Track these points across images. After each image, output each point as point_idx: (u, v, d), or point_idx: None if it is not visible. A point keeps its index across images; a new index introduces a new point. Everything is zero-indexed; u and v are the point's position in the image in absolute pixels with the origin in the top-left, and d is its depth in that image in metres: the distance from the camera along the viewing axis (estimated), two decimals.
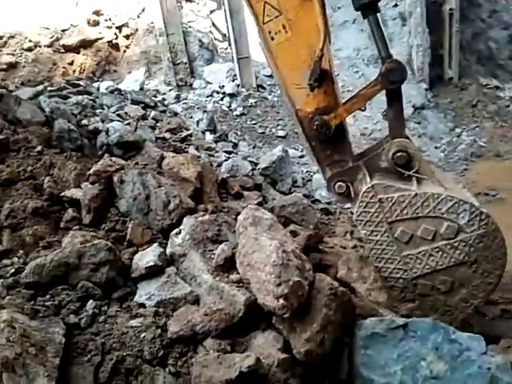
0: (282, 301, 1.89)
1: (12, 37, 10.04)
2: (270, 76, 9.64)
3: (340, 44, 11.58)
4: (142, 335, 1.99)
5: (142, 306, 2.26)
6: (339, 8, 11.32)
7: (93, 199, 2.69)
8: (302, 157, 7.90)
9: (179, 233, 2.35)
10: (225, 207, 3.52)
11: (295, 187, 6.22)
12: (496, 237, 2.34)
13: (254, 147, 8.80)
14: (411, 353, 2.02)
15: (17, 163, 2.88)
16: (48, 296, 2.09)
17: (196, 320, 2.04)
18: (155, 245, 2.51)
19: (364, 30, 11.34)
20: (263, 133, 9.20)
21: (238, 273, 2.16)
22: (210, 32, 10.47)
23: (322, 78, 2.34)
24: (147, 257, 2.41)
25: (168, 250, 2.41)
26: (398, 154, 2.34)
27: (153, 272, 2.37)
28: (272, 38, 2.45)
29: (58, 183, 2.83)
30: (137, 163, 3.15)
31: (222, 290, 2.15)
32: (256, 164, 6.81)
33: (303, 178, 6.78)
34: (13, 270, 2.25)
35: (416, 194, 2.31)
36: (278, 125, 9.36)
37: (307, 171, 7.16)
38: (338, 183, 2.48)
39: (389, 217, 2.36)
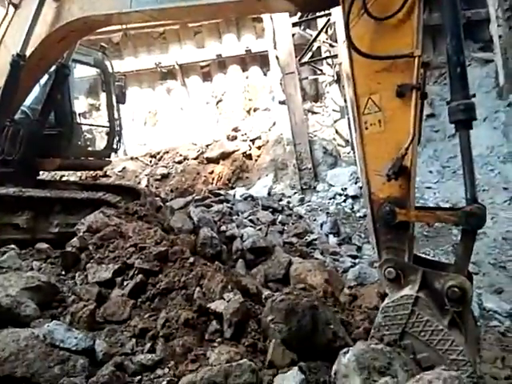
0: None
1: (167, 152, 12.14)
2: None
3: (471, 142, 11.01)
4: None
5: None
6: None
7: (234, 313, 2.80)
8: None
9: (347, 352, 2.27)
10: None
11: None
12: None
13: None
14: None
15: (173, 273, 3.21)
16: None
17: None
18: (296, 369, 2.43)
19: (497, 128, 10.69)
20: None
21: None
22: (334, 139, 11.06)
23: (400, 173, 2.52)
24: (288, 382, 2.33)
25: (334, 367, 2.33)
26: (454, 289, 2.38)
27: None
28: (366, 128, 2.69)
29: (206, 294, 3.03)
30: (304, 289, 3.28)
31: None
32: None
33: None
34: (164, 382, 2.37)
35: (442, 330, 2.40)
36: None
37: None
38: (390, 269, 2.59)
39: (409, 328, 2.49)
